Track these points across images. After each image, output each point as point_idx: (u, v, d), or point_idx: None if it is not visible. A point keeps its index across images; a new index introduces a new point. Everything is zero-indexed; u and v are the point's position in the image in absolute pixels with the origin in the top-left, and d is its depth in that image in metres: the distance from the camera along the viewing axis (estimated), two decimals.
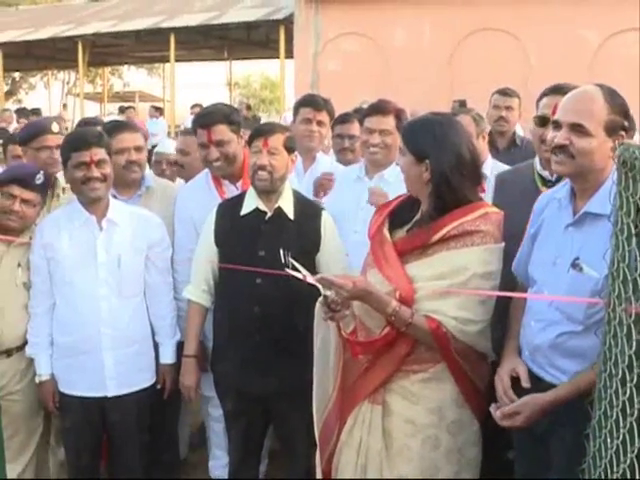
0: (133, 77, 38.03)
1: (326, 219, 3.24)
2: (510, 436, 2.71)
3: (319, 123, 4.13)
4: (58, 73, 34.42)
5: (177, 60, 20.29)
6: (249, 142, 3.19)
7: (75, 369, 3.24)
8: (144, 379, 3.35)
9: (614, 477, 1.83)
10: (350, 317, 2.68)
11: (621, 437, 1.80)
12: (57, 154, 3.76)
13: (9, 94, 33.49)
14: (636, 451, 1.71)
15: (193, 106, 12.60)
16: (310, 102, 4.26)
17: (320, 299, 2.56)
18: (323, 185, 3.87)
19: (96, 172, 3.13)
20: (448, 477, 2.63)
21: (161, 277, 3.40)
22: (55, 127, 3.83)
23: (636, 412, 1.72)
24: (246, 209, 3.19)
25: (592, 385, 2.09)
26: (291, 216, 3.18)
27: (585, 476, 2.10)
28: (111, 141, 3.51)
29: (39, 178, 3.28)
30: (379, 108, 3.64)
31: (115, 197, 3.56)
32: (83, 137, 3.23)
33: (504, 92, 5.33)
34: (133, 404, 3.29)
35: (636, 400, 1.72)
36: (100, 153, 3.15)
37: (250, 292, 3.11)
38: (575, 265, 2.30)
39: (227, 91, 27.88)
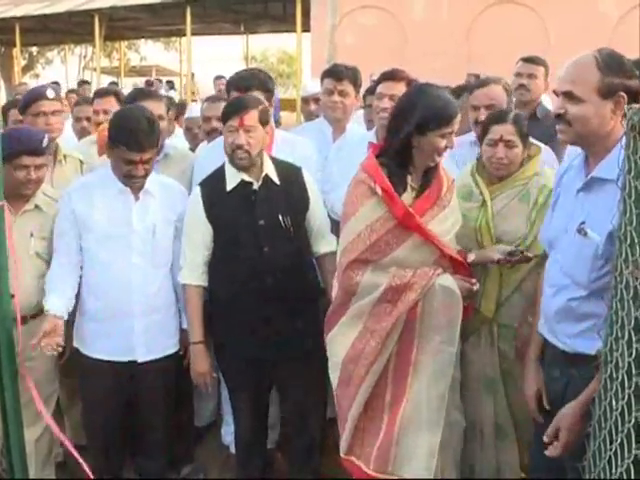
0: (150, 51, 37.94)
1: (307, 176, 3.37)
2: None
3: (341, 93, 4.09)
4: (75, 47, 34.38)
5: (193, 34, 20.19)
6: (223, 120, 3.18)
7: (104, 334, 3.30)
8: (170, 345, 3.42)
9: (618, 437, 1.86)
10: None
11: (626, 398, 1.83)
12: (53, 120, 3.85)
13: (26, 68, 33.52)
14: None
15: (218, 77, 12.50)
16: (331, 72, 4.22)
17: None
18: None
19: (141, 171, 3.17)
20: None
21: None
22: (51, 93, 3.86)
23: None
24: (231, 184, 3.21)
25: None
26: (277, 181, 3.24)
27: (590, 441, 2.14)
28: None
29: (46, 142, 3.29)
30: (391, 74, 3.70)
31: None
32: (136, 137, 3.11)
33: (528, 59, 5.00)
34: (160, 370, 3.36)
35: None
36: (150, 153, 3.18)
37: (260, 262, 3.17)
38: (580, 230, 2.34)
39: (244, 65, 27.74)
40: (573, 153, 2.61)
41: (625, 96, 2.24)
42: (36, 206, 3.36)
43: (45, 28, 23.69)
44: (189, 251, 3.30)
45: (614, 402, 1.92)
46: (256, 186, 3.20)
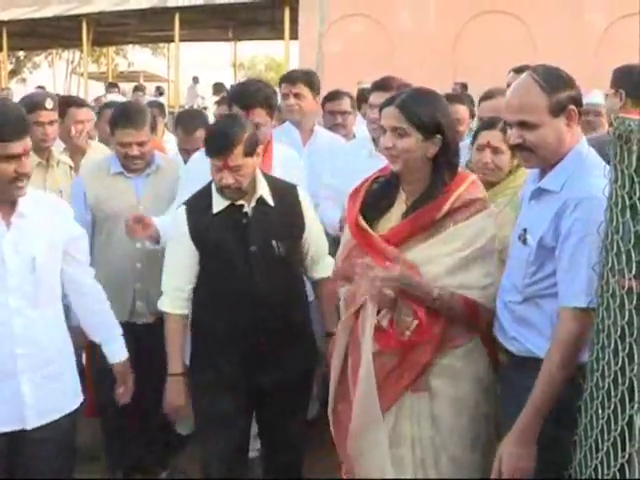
0: (137, 57, 37.98)
1: (303, 197, 3.15)
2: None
3: (296, 96, 4.12)
4: (62, 52, 34.37)
5: (182, 40, 20.21)
6: (207, 155, 2.93)
7: None
8: (68, 403, 2.77)
9: (604, 445, 1.87)
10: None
11: (612, 407, 1.83)
12: (49, 130, 3.83)
13: (13, 73, 33.47)
14: (627, 419, 1.75)
15: (216, 85, 12.41)
16: (285, 78, 4.29)
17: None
18: None
19: (27, 167, 2.53)
20: (484, 441, 2.62)
21: (83, 269, 2.91)
22: (49, 103, 3.84)
23: (627, 381, 1.76)
24: (218, 206, 2.98)
25: (549, 390, 2.20)
26: (272, 203, 3.02)
27: (576, 449, 2.14)
28: (114, 134, 3.56)
29: None
30: (381, 84, 3.70)
31: (122, 174, 3.59)
32: (8, 125, 2.50)
33: (519, 70, 4.91)
34: (56, 433, 2.69)
35: (627, 369, 1.75)
36: (26, 143, 2.52)
37: (251, 291, 2.96)
38: (520, 236, 2.40)
39: (232, 72, 27.80)
40: None
41: (575, 108, 2.28)
42: None
43: (33, 32, 23.64)
44: (170, 276, 3.07)
45: (600, 410, 1.92)
46: (247, 209, 2.97)
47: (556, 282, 2.27)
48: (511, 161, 3.15)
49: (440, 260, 2.53)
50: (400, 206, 2.65)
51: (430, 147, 2.54)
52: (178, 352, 3.07)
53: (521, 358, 2.40)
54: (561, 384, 2.18)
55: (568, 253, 2.21)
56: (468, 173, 2.71)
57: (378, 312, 2.57)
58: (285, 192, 3.10)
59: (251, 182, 2.96)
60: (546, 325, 2.32)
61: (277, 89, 4.18)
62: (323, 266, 3.23)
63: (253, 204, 2.98)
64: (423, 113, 2.52)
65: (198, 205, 3.03)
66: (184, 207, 3.05)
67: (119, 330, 2.98)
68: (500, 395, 2.59)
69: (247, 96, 3.42)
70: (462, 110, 4.16)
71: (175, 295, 3.06)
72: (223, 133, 2.92)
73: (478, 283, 2.55)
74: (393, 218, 2.65)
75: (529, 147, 2.32)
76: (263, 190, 3.01)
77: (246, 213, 2.98)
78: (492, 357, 2.62)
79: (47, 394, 2.66)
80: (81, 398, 2.84)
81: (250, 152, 2.90)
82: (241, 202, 2.97)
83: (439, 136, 2.53)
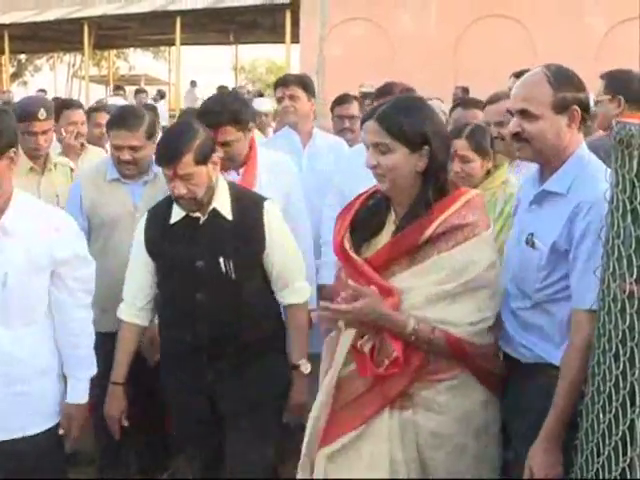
0: (139, 60, 38.00)
1: (269, 211, 2.92)
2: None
3: (290, 97, 4.13)
4: (64, 55, 34.40)
5: (183, 43, 20.27)
6: (157, 164, 2.90)
7: None
8: (39, 422, 2.61)
9: (606, 450, 1.87)
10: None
11: (613, 411, 1.84)
12: (42, 139, 3.82)
13: (15, 76, 33.47)
14: (628, 423, 1.75)
15: (220, 89, 12.38)
16: (278, 81, 4.34)
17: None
18: None
19: None
20: None
21: (73, 299, 2.67)
22: (42, 114, 3.80)
23: (628, 385, 1.76)
24: (175, 216, 2.87)
25: (570, 396, 2.18)
26: (229, 216, 2.86)
27: (577, 453, 2.15)
28: (109, 136, 3.52)
29: None
30: (384, 91, 3.70)
31: (119, 180, 3.50)
32: None
33: (521, 75, 4.84)
34: (27, 448, 2.56)
35: (629, 373, 1.76)
36: None
37: (194, 308, 2.84)
38: (527, 241, 2.37)
39: (233, 75, 27.87)
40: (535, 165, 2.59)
41: (578, 109, 2.29)
42: None
43: (34, 36, 23.68)
44: (128, 284, 3.00)
45: (601, 415, 1.92)
46: (202, 220, 2.86)
47: (567, 286, 2.26)
48: (485, 164, 3.17)
49: (421, 290, 2.32)
50: (390, 226, 2.44)
51: (419, 161, 2.31)
52: (124, 361, 2.96)
53: (528, 365, 2.39)
54: (579, 389, 2.18)
55: (583, 256, 2.19)
56: (466, 189, 2.46)
57: (363, 335, 2.39)
58: (250, 206, 2.92)
59: (209, 193, 2.83)
60: (555, 331, 2.31)
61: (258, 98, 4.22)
62: (291, 291, 3.00)
63: (206, 217, 2.86)
64: (406, 124, 2.28)
65: (159, 214, 2.95)
66: (146, 214, 3.00)
67: (90, 373, 2.77)
68: (506, 402, 2.52)
69: (212, 116, 3.29)
70: (480, 115, 4.11)
71: (132, 303, 2.99)
72: (171, 141, 2.83)
73: (466, 319, 2.32)
74: (383, 239, 2.44)
75: (526, 138, 2.33)
76: (219, 202, 2.87)
77: (200, 225, 2.87)
78: (489, 387, 2.46)
79: (8, 411, 2.52)
80: (57, 418, 2.68)
81: (202, 160, 2.76)
82: (197, 214, 2.85)
83: (427, 147, 2.30)
